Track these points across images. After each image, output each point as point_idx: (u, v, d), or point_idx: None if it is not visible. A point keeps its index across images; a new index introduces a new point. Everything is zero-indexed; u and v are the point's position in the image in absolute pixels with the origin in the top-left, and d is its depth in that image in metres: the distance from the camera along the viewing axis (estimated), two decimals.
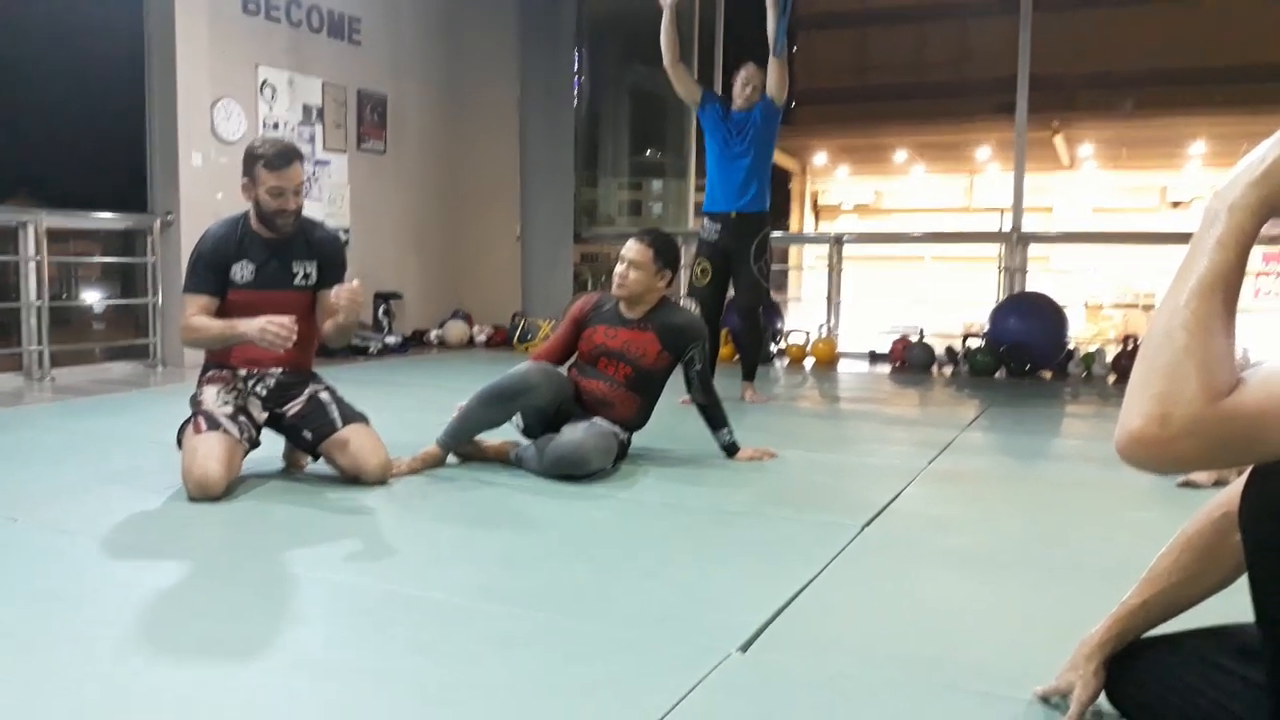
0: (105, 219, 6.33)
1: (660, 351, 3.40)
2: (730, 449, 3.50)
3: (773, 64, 4.75)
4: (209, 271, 3.05)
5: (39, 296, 5.63)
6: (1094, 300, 11.40)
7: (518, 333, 7.80)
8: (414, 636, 1.86)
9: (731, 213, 4.86)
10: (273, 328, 2.83)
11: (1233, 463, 0.97)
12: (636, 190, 11.04)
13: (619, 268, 3.41)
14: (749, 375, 5.05)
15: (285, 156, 3.01)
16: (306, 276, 3.15)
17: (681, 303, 4.64)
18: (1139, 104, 15.50)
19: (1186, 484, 3.15)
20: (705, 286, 4.92)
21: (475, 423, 3.28)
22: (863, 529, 2.65)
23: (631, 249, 3.39)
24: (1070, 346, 6.66)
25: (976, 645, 1.88)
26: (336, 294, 2.93)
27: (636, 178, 10.82)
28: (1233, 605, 1.33)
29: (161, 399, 4.90)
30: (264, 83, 6.80)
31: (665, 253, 3.41)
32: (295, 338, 2.87)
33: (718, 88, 7.19)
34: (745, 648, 1.81)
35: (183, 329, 3.05)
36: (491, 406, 3.26)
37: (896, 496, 3.04)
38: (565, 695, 1.62)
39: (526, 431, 3.42)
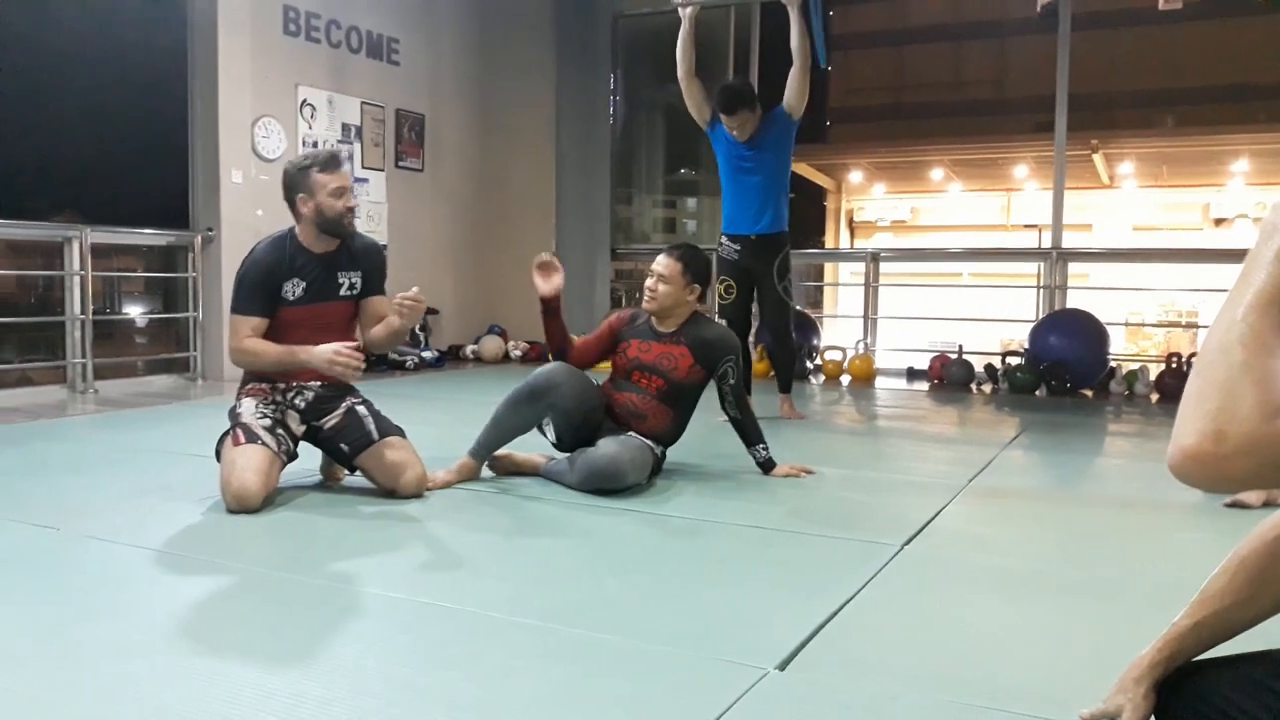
0: (148, 235, 6.43)
1: (692, 365, 3.39)
2: (766, 465, 3.48)
3: (794, 75, 4.62)
4: (259, 291, 3.05)
5: (83, 310, 5.72)
6: (1135, 318, 11.25)
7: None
8: (447, 649, 1.85)
9: (751, 235, 4.78)
10: (342, 357, 2.87)
11: None
12: (671, 208, 11.06)
13: (649, 281, 3.41)
14: (785, 388, 5.03)
15: (336, 159, 3.12)
16: (352, 287, 3.18)
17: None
18: (1179, 121, 15.31)
19: (1234, 504, 3.08)
20: (730, 304, 4.88)
21: (505, 428, 3.29)
22: (902, 548, 2.61)
23: (661, 262, 3.40)
24: (1112, 364, 6.56)
25: (1017, 667, 1.84)
26: (400, 300, 2.98)
27: (671, 195, 10.85)
28: None
29: (201, 412, 4.95)
30: (304, 102, 6.89)
31: (694, 266, 3.40)
32: (364, 365, 2.92)
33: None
34: (783, 666, 1.79)
35: (235, 351, 3.06)
36: (519, 408, 3.27)
37: (936, 515, 2.99)
38: (599, 712, 1.60)
39: (558, 443, 3.42)
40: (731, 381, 3.41)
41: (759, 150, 4.70)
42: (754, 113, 4.62)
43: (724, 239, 4.89)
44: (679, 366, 3.38)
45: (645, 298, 3.42)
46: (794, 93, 4.66)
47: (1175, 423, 0.85)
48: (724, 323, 4.49)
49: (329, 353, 2.89)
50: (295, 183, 3.07)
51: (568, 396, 3.27)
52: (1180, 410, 0.86)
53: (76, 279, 5.74)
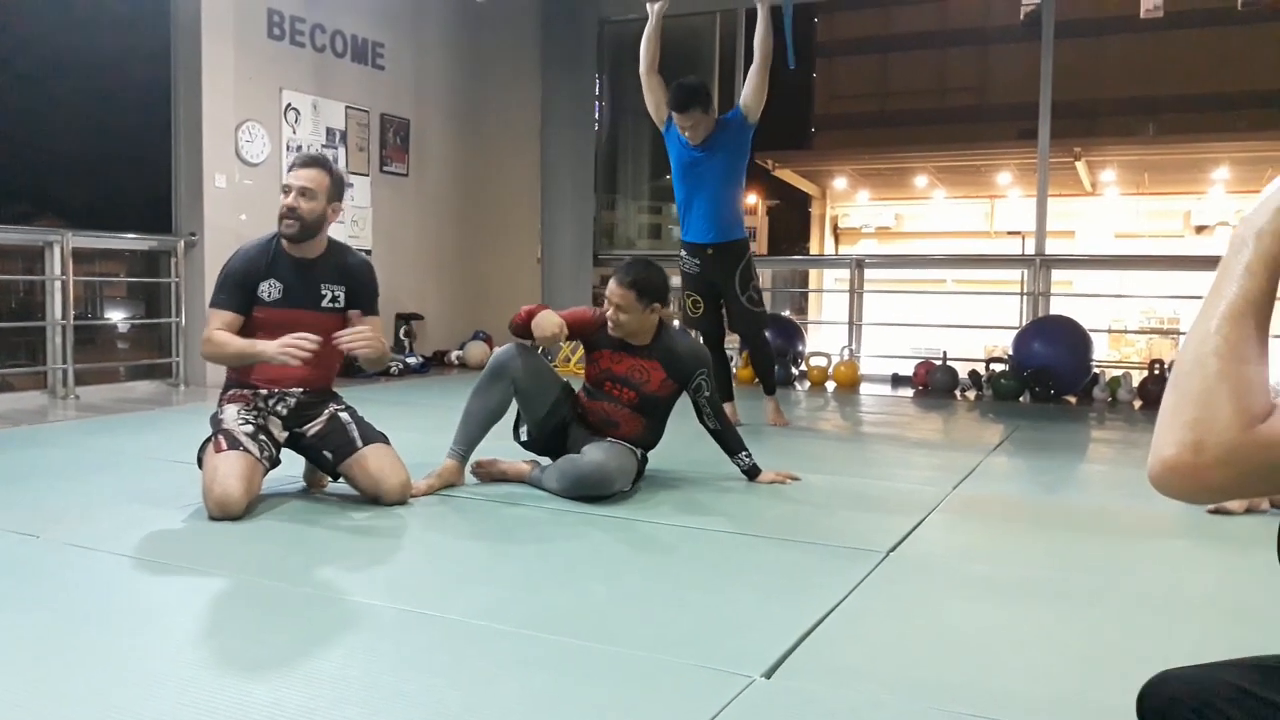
0: (130, 240, 6.39)
1: (664, 379, 3.37)
2: (751, 472, 3.47)
3: (753, 72, 4.53)
4: (236, 288, 3.07)
5: (64, 316, 5.68)
6: (1118, 324, 11.31)
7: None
8: (429, 657, 1.84)
9: (708, 248, 4.70)
10: (293, 343, 2.84)
11: (1268, 491, 0.95)
12: (656, 214, 11.06)
13: (608, 310, 3.32)
14: (770, 390, 5.00)
15: (304, 159, 3.14)
16: (335, 300, 3.16)
17: (676, 322, 4.57)
18: (1161, 129, 15.43)
19: (1217, 511, 3.10)
20: (700, 318, 4.83)
21: (476, 418, 3.28)
22: (887, 554, 2.61)
23: (613, 291, 3.29)
24: (1095, 371, 6.60)
25: (1002, 673, 1.84)
26: (347, 338, 2.96)
27: (656, 201, 10.85)
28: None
29: (183, 418, 4.91)
30: (288, 106, 6.86)
31: (647, 289, 3.29)
32: (313, 352, 2.87)
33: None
34: (769, 674, 1.78)
35: (204, 342, 3.08)
36: (482, 393, 3.29)
37: (921, 522, 3.00)
38: (584, 719, 1.59)
39: (529, 443, 3.43)
40: (706, 394, 3.38)
41: (711, 155, 4.59)
42: (708, 114, 4.52)
43: (682, 251, 4.81)
44: (650, 379, 3.36)
45: (609, 325, 3.35)
46: (752, 90, 4.55)
47: (1154, 435, 0.86)
48: (696, 334, 4.46)
49: (279, 343, 2.87)
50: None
51: (524, 371, 3.29)
52: (1158, 422, 0.87)
53: (58, 284, 5.70)
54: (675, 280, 4.38)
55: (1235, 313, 0.86)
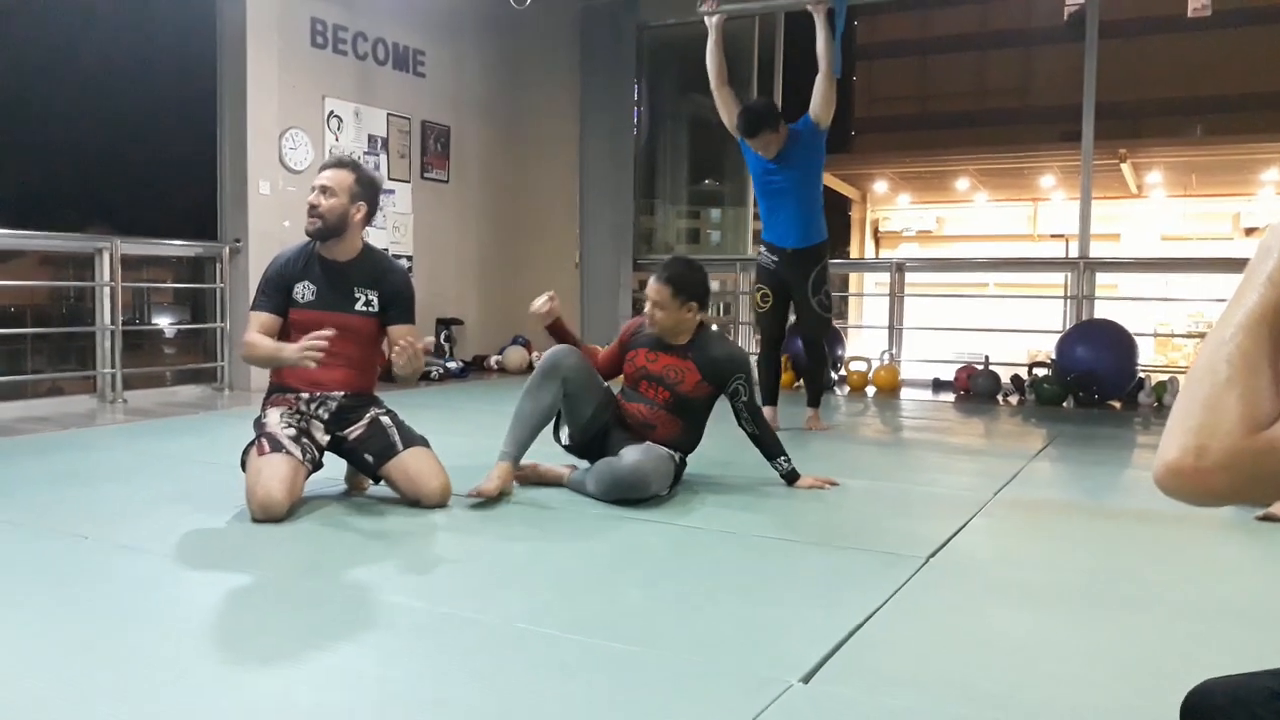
0: (177, 246, 6.50)
1: (699, 381, 3.36)
2: (790, 477, 3.46)
3: (820, 83, 4.60)
4: (274, 291, 3.15)
5: (113, 321, 5.79)
6: (1164, 328, 11.13)
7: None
8: (469, 660, 1.86)
9: (788, 249, 4.77)
10: (310, 344, 2.88)
11: (1272, 497, 0.96)
12: (695, 219, 11.06)
13: (646, 306, 3.36)
14: (814, 403, 4.98)
15: (329, 161, 3.22)
16: (369, 304, 3.19)
17: (714, 326, 4.56)
18: (1208, 130, 15.18)
19: (1266, 517, 3.04)
20: (766, 313, 4.88)
21: (526, 418, 3.28)
22: (927, 560, 2.59)
23: (651, 289, 3.33)
24: (1140, 376, 6.50)
25: (1042, 681, 1.82)
26: (397, 350, 3.02)
27: (695, 206, 10.85)
28: None
29: (228, 421, 4.98)
30: (331, 114, 6.95)
31: (685, 287, 3.31)
32: (329, 344, 2.90)
33: None
34: (807, 679, 1.78)
35: (242, 344, 3.16)
36: (534, 394, 3.29)
37: (962, 528, 2.97)
38: None
39: (570, 446, 3.44)
40: (744, 399, 3.37)
41: (786, 166, 4.66)
42: (777, 133, 4.59)
43: (762, 247, 4.89)
44: (685, 380, 3.36)
45: (647, 322, 3.39)
46: (820, 101, 4.62)
47: (1162, 438, 0.87)
48: (747, 334, 4.46)
49: (297, 346, 2.92)
50: None
51: (575, 371, 3.31)
52: (1167, 427, 0.88)
53: (107, 290, 5.81)
54: (715, 285, 4.39)
55: (1252, 321, 0.87)
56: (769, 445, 3.47)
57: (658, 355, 3.40)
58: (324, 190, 3.12)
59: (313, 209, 3.12)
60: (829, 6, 4.68)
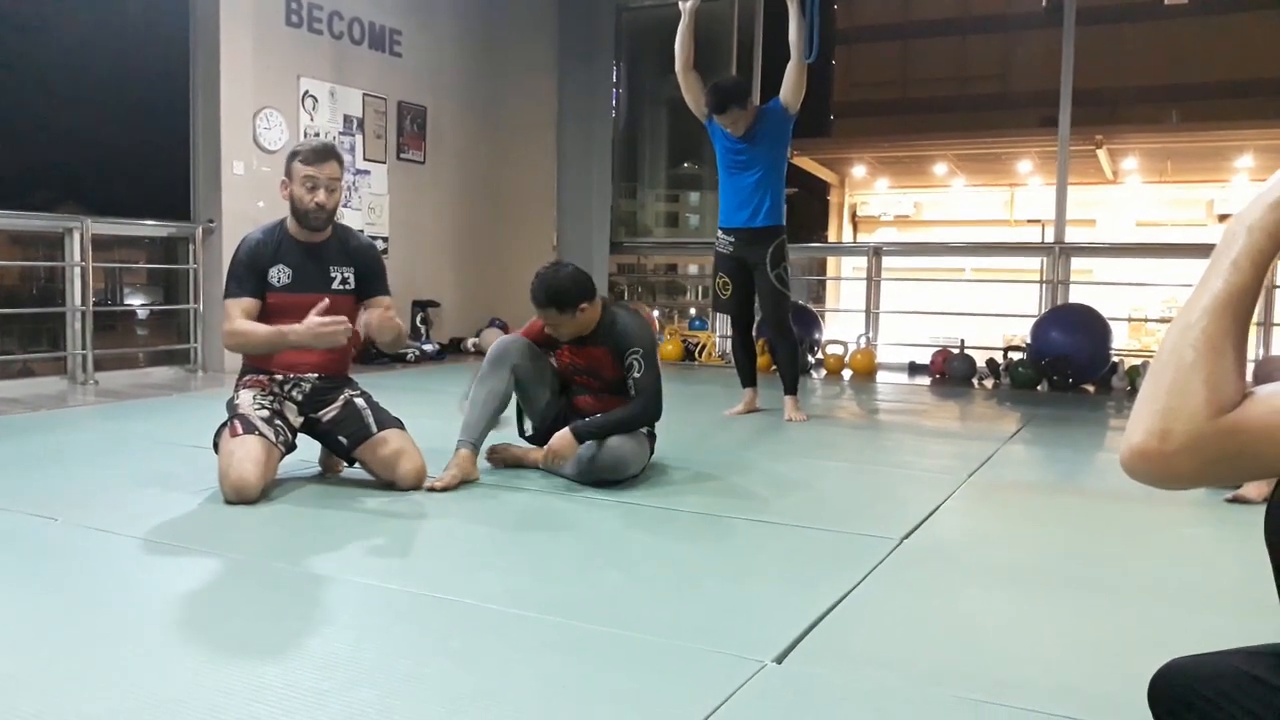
0: (149, 226, 6.43)
1: (613, 361, 3.31)
2: (579, 434, 3.20)
3: (791, 68, 4.61)
4: (249, 275, 3.08)
5: (84, 302, 5.72)
6: (1138, 313, 11.22)
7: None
8: (444, 641, 1.85)
9: (745, 230, 4.75)
10: (326, 327, 2.87)
11: (1236, 479, 0.98)
12: (674, 202, 11.05)
13: (549, 330, 3.30)
14: (790, 389, 4.88)
15: (321, 152, 3.08)
16: (345, 281, 3.17)
17: (692, 310, 4.51)
18: (1184, 117, 15.28)
19: (1236, 499, 3.07)
20: (729, 299, 4.86)
21: (481, 404, 3.25)
22: (901, 542, 2.61)
23: (541, 318, 3.26)
24: (1114, 360, 6.55)
25: (1015, 661, 1.83)
26: (367, 321, 3.02)
27: (674, 189, 10.83)
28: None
29: (201, 403, 4.94)
30: (305, 93, 6.88)
31: (566, 298, 3.19)
32: (349, 328, 2.92)
33: (757, 97, 7.16)
34: (781, 659, 1.78)
35: (227, 334, 3.06)
36: (487, 380, 3.27)
37: (936, 510, 2.99)
38: (596, 704, 1.59)
39: (534, 437, 3.44)
40: (636, 375, 3.24)
41: (753, 144, 4.67)
42: (745, 109, 4.60)
43: (719, 233, 4.88)
44: (605, 365, 3.32)
45: (553, 333, 3.32)
46: (790, 87, 4.63)
47: (1129, 421, 0.88)
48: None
49: (313, 326, 2.90)
50: (285, 167, 3.10)
51: (524, 357, 3.31)
52: (1134, 410, 0.90)
53: (77, 270, 5.74)
54: (694, 269, 4.37)
55: (1217, 306, 0.88)
56: (610, 418, 3.21)
57: (578, 348, 3.36)
58: (330, 188, 3.07)
59: (321, 207, 3.06)
60: None
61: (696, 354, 7.71)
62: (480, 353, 7.85)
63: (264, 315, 3.07)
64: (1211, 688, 1.29)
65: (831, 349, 7.25)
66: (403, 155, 7.76)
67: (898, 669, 1.76)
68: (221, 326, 3.14)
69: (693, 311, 9.39)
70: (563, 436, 3.14)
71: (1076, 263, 7.55)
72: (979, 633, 1.99)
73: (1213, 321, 0.88)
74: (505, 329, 8.13)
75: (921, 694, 1.66)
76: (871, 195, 18.77)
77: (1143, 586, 2.32)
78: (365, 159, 7.39)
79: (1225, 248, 0.91)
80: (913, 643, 1.91)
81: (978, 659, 1.83)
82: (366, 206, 7.40)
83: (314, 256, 3.14)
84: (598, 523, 2.81)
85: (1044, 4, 6.46)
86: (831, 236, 17.93)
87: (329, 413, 3.12)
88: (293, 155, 3.08)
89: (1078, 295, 7.22)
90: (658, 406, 3.28)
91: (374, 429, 3.08)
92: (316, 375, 3.14)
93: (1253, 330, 0.91)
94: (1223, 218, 15.63)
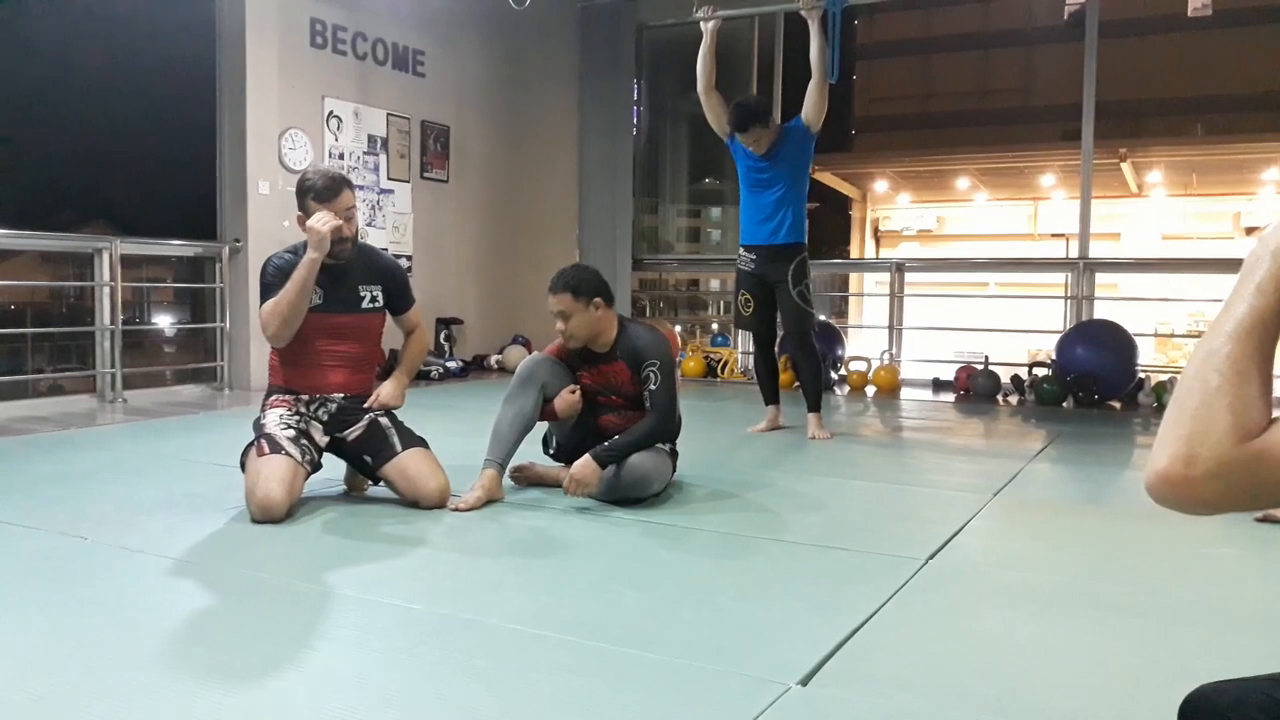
0: (176, 246, 6.50)
1: (632, 376, 3.31)
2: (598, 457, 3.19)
3: (812, 88, 4.61)
4: (282, 283, 3.06)
5: (113, 321, 5.79)
6: (1164, 328, 11.13)
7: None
8: (468, 662, 1.86)
9: (767, 247, 4.75)
10: (322, 228, 2.99)
11: (1262, 505, 0.97)
12: (695, 217, 11.07)
13: (558, 324, 3.28)
14: (814, 406, 4.85)
15: (332, 187, 3.08)
16: (374, 299, 3.22)
17: (714, 326, 4.52)
18: (1209, 129, 15.17)
19: (1265, 519, 3.04)
20: (750, 317, 4.87)
21: (508, 424, 3.25)
22: (926, 562, 2.59)
23: (552, 303, 3.25)
24: (1140, 376, 6.50)
25: (1040, 685, 1.82)
26: (377, 394, 3.21)
27: (695, 205, 10.85)
28: None
29: (227, 421, 4.99)
30: (330, 114, 6.95)
31: (582, 287, 3.23)
32: (337, 222, 3.02)
33: (778, 116, 7.17)
34: (805, 682, 1.78)
35: (265, 325, 3.08)
36: (514, 400, 3.28)
37: (961, 529, 2.97)
38: None
39: (558, 454, 3.45)
40: (652, 387, 3.25)
41: (775, 163, 4.68)
42: (767, 128, 4.62)
43: (741, 250, 4.88)
44: (624, 381, 3.33)
45: (564, 341, 3.32)
46: (812, 106, 4.64)
47: (1153, 446, 0.88)
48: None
49: (315, 228, 3.00)
50: (299, 201, 3.14)
51: (552, 377, 3.32)
52: (1159, 434, 0.89)
53: (106, 289, 5.81)
54: (715, 285, 4.36)
55: (1242, 330, 0.88)
56: (627, 438, 3.20)
57: (596, 369, 3.36)
58: (349, 218, 3.11)
59: (344, 240, 3.09)
60: (822, 11, 4.69)
61: (719, 370, 7.71)
62: (503, 369, 7.88)
63: (304, 334, 3.09)
64: (1243, 716, 1.28)
65: (855, 365, 7.23)
66: (426, 174, 7.82)
67: (923, 692, 1.75)
68: (252, 348, 3.18)
69: (715, 327, 9.39)
70: (585, 464, 3.13)
71: (1101, 277, 7.51)
72: (1004, 656, 1.98)
73: (1237, 346, 0.87)
74: (529, 346, 8.15)
75: (947, 717, 1.65)
76: (894, 210, 18.71)
77: (1170, 607, 2.30)
78: (390, 178, 7.45)
79: (1249, 271, 0.90)
80: (937, 665, 1.90)
81: (1003, 683, 1.82)
82: (391, 225, 7.46)
83: (342, 277, 3.17)
84: (620, 542, 2.81)
85: (1066, 17, 6.43)
86: (854, 252, 17.89)
87: (354, 432, 3.14)
88: (305, 192, 3.08)
89: (1103, 310, 7.17)
90: (674, 419, 3.30)
91: (398, 448, 3.10)
92: (342, 395, 3.16)
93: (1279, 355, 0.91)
94: (1250, 231, 15.49)
